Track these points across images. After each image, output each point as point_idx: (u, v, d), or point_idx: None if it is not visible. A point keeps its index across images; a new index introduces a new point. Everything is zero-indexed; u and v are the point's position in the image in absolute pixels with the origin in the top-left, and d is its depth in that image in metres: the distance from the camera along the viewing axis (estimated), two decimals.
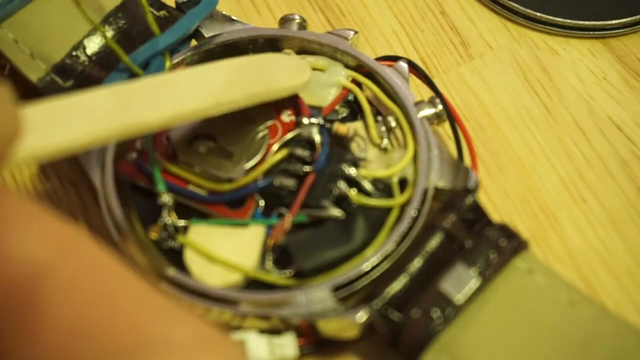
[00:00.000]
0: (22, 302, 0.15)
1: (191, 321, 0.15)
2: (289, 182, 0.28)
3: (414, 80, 0.31)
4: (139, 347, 0.15)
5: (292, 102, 0.29)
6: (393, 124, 0.29)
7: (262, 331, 0.26)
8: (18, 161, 0.18)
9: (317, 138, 0.28)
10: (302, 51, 0.31)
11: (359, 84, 0.30)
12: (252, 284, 0.26)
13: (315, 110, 0.29)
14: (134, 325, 0.15)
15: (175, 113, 0.24)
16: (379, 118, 0.29)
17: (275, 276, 0.26)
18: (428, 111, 0.29)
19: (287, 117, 0.29)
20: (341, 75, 0.30)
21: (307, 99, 0.29)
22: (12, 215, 0.16)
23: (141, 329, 0.15)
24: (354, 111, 0.30)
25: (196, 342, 0.15)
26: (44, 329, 0.15)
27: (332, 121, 0.29)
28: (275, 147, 0.28)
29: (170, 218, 0.27)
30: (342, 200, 0.27)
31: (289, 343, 0.26)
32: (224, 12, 0.31)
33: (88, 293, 0.15)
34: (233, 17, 0.31)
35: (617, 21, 0.34)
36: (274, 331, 0.26)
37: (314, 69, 0.30)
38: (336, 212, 0.27)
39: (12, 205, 0.16)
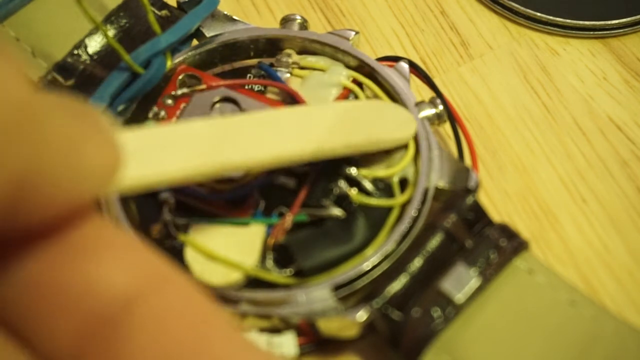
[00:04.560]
0: (109, 338, 0.14)
1: None
2: (290, 182, 0.28)
3: (414, 80, 0.31)
4: None
5: (293, 102, 0.29)
6: None
7: (262, 330, 0.26)
8: (115, 192, 0.17)
9: None
10: (303, 51, 0.31)
11: (359, 84, 0.30)
12: (253, 282, 0.26)
13: None
14: None
15: (276, 155, 0.24)
16: None
17: (276, 275, 0.26)
18: (429, 111, 0.29)
19: None
20: (342, 76, 0.30)
21: (308, 99, 0.29)
22: (101, 244, 0.15)
23: None
24: None
25: None
26: None
27: None
28: None
29: (170, 216, 0.27)
30: (342, 200, 0.27)
31: (289, 342, 0.26)
32: (225, 12, 0.31)
33: (178, 330, 0.14)
34: (234, 17, 0.31)
35: (617, 21, 0.34)
36: (274, 330, 0.26)
37: (314, 69, 0.30)
38: (337, 211, 0.27)
39: (101, 234, 0.15)
